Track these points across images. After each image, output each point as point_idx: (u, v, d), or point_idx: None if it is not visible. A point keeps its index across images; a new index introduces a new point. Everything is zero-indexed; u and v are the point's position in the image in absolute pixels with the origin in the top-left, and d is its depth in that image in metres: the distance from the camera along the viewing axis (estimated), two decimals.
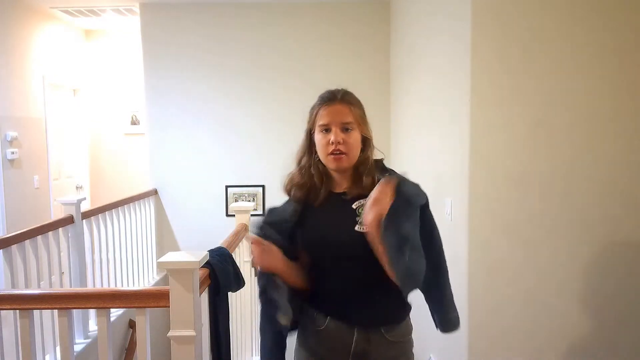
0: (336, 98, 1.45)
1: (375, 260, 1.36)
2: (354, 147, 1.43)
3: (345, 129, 1.42)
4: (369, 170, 1.46)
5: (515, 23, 2.07)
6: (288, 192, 1.52)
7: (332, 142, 1.40)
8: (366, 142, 1.47)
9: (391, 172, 1.50)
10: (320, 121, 1.43)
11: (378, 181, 1.38)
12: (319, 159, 1.46)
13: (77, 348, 2.98)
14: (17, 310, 1.55)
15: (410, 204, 1.37)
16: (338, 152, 1.40)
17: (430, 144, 2.93)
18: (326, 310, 1.46)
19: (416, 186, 1.43)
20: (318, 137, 1.45)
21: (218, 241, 2.20)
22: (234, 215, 2.85)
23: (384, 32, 4.70)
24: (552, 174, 2.08)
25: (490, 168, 2.12)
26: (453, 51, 2.37)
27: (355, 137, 1.43)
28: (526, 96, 2.08)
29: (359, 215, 1.40)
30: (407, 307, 1.50)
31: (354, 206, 1.43)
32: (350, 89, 1.49)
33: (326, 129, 1.42)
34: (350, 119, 1.43)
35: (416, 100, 3.39)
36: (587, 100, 2.06)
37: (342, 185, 1.48)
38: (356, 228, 1.39)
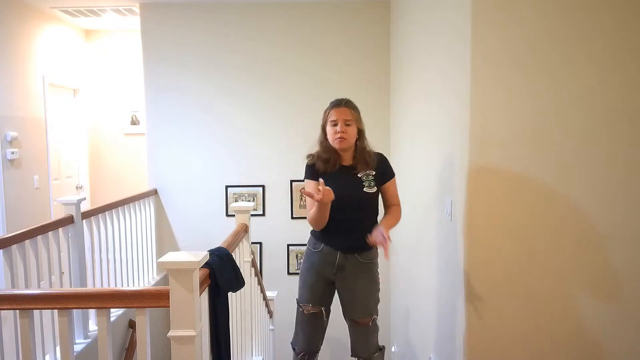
0: (342, 103, 2.34)
1: (365, 210, 2.34)
2: (352, 135, 2.32)
3: (346, 124, 2.30)
4: (368, 154, 2.36)
5: (516, 21, 2.07)
6: (312, 164, 2.37)
7: (338, 131, 2.29)
8: (361, 134, 2.38)
9: (380, 155, 2.43)
10: (331, 118, 2.32)
11: (374, 160, 2.36)
12: (329, 143, 2.34)
13: (77, 348, 2.99)
14: (17, 310, 1.55)
15: None
16: (341, 138, 2.28)
17: (431, 143, 2.93)
18: (323, 240, 2.38)
19: None
20: (329, 128, 2.33)
21: (218, 241, 2.19)
22: (234, 215, 2.85)
23: (384, 31, 4.71)
24: (552, 174, 2.08)
25: (490, 168, 2.12)
26: (453, 50, 2.37)
27: (352, 129, 2.32)
28: (526, 96, 2.08)
29: (364, 181, 2.32)
30: None
31: (359, 175, 2.33)
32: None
33: (335, 124, 2.30)
34: (350, 117, 2.31)
35: (416, 98, 3.39)
36: (589, 99, 2.06)
37: (347, 160, 2.37)
38: (364, 189, 2.31)
